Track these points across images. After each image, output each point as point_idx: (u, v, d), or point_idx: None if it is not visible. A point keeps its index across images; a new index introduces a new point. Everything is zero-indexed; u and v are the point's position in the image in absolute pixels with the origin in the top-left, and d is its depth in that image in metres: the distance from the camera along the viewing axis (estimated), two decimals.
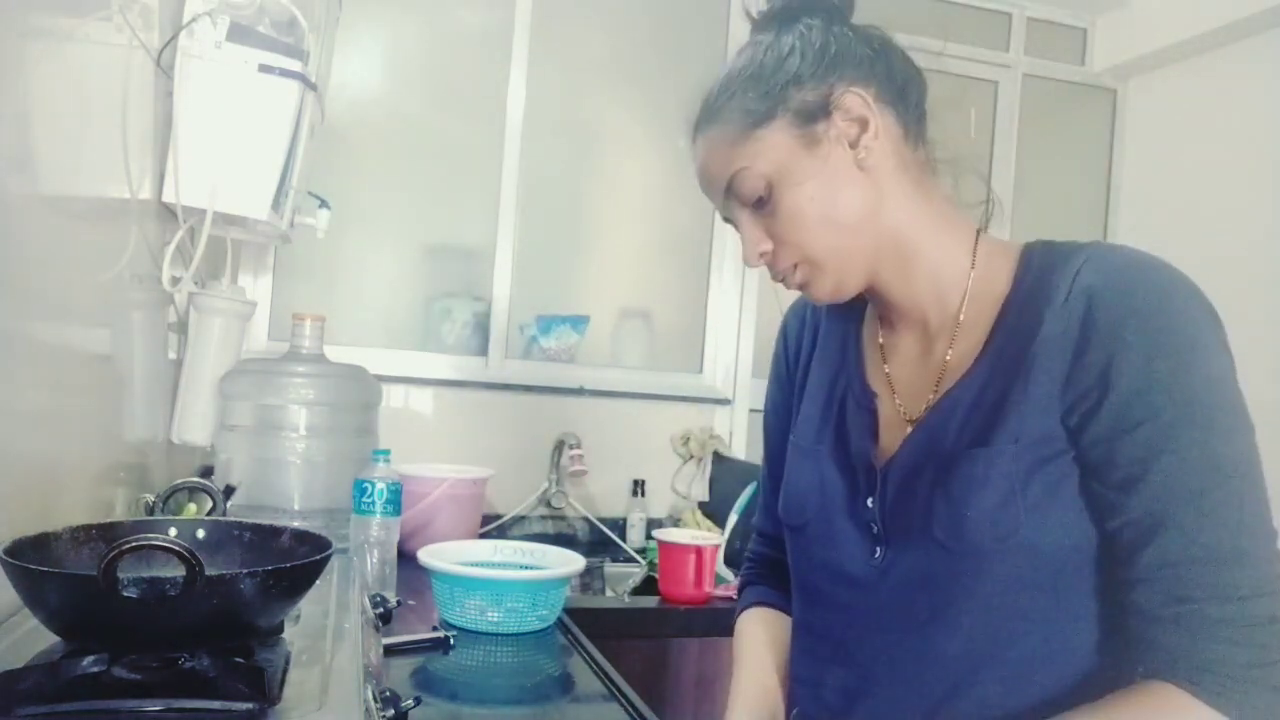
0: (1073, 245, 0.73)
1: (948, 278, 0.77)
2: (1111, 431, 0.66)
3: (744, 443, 2.57)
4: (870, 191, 0.75)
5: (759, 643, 0.95)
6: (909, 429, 0.78)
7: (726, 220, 0.81)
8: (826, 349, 0.89)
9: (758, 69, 0.75)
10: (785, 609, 0.94)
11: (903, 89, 0.77)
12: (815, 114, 0.74)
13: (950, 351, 0.77)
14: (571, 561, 1.45)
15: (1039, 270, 0.73)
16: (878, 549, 0.76)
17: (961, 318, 0.76)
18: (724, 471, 2.43)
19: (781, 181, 0.74)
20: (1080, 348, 0.67)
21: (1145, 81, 2.83)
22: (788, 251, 0.76)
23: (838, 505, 0.81)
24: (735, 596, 1.70)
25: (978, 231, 0.79)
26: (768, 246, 0.77)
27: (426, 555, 1.39)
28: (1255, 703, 0.62)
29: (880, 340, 0.84)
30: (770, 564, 0.99)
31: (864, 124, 0.74)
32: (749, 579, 1.03)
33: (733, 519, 2.10)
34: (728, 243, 2.59)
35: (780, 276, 0.79)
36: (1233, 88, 2.51)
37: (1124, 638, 0.68)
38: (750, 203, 0.76)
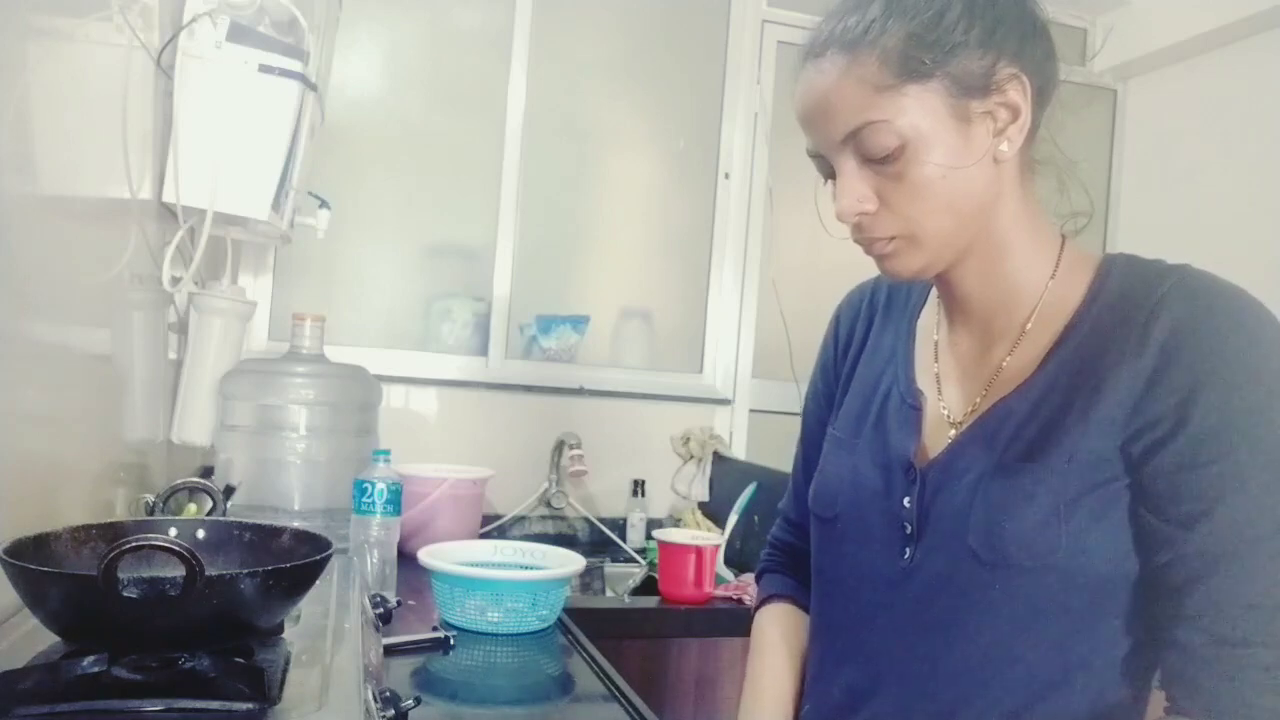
0: (1158, 267, 0.70)
1: (1025, 283, 0.74)
2: (1179, 466, 0.64)
3: (744, 443, 2.57)
4: (993, 185, 0.70)
5: (776, 646, 0.92)
6: (952, 431, 0.76)
7: (814, 157, 0.74)
8: (879, 343, 0.87)
9: (928, 17, 0.67)
10: (804, 602, 0.92)
11: (1049, 79, 0.72)
12: (974, 88, 0.68)
13: (1009, 359, 0.74)
14: (571, 562, 1.45)
15: (1119, 288, 0.70)
16: (908, 549, 0.75)
17: (1028, 326, 0.74)
18: (724, 472, 2.43)
19: (919, 147, 0.67)
20: (1156, 376, 0.65)
21: (1146, 82, 2.84)
22: (893, 221, 0.70)
23: (871, 501, 0.78)
24: (734, 598, 1.70)
25: (1063, 239, 0.76)
26: (872, 207, 0.70)
27: (427, 555, 1.39)
28: None
29: (935, 337, 0.82)
30: (791, 551, 0.98)
31: (1015, 114, 0.69)
32: (768, 565, 1.01)
33: (733, 519, 2.10)
34: (728, 242, 2.59)
35: (867, 241, 0.72)
36: (1234, 88, 2.51)
37: (1161, 672, 0.67)
38: (873, 158, 0.69)
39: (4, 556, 0.65)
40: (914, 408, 0.79)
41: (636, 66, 2.58)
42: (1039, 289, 0.74)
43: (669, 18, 2.58)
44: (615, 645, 1.48)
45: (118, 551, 0.60)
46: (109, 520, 0.82)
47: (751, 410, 2.58)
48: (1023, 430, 0.70)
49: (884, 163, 0.68)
